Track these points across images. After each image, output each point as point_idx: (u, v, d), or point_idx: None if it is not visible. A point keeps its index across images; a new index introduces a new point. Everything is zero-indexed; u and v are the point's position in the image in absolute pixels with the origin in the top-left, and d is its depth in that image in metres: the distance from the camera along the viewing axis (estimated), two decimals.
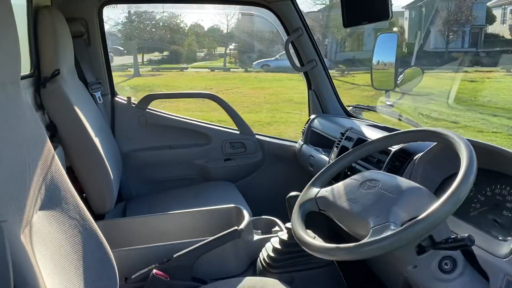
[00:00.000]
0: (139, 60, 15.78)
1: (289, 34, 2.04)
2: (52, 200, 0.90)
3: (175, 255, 1.25)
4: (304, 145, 2.09)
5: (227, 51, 18.15)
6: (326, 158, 1.77)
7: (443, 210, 0.80)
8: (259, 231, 1.51)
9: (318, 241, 0.94)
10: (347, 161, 1.18)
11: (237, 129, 2.25)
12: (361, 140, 1.53)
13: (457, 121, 6.80)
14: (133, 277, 1.21)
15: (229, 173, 2.22)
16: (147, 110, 2.16)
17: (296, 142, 2.22)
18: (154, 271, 1.20)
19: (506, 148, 1.01)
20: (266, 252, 1.32)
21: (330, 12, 16.74)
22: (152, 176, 2.18)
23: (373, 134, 1.53)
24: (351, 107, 2.17)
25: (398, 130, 1.18)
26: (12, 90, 0.86)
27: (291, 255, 1.28)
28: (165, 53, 17.76)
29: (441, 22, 17.08)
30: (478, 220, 1.03)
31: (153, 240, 1.38)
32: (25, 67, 1.59)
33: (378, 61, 2.01)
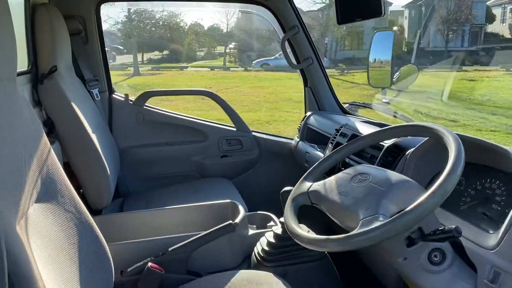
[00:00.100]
0: (139, 59, 15.79)
1: (285, 31, 2.06)
2: (48, 193, 0.91)
3: (170, 249, 1.26)
4: (300, 142, 2.10)
5: (227, 50, 18.16)
6: (321, 155, 1.79)
7: (430, 202, 0.82)
8: (254, 226, 1.52)
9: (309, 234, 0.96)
10: (340, 156, 1.20)
11: (233, 126, 2.27)
12: (355, 136, 1.54)
13: (456, 119, 6.81)
14: (128, 270, 1.22)
15: (226, 170, 2.24)
16: (144, 107, 2.18)
17: (292, 139, 2.24)
18: (150, 264, 1.21)
19: (496, 143, 1.03)
20: (260, 246, 1.33)
21: (329, 11, 16.73)
22: (150, 173, 2.20)
23: (367, 130, 1.55)
24: (347, 104, 2.19)
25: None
26: (9, 86, 0.88)
27: (285, 249, 1.29)
28: (165, 52, 17.77)
29: (441, 21, 17.07)
30: (468, 214, 1.05)
31: (149, 234, 1.39)
32: (23, 64, 1.61)
33: (375, 59, 2.03)
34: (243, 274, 1.17)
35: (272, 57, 15.08)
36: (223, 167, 2.24)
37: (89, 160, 1.65)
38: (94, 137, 1.66)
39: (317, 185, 1.09)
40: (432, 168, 1.18)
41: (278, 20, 2.07)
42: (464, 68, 13.40)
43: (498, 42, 16.97)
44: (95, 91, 2.02)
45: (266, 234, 1.35)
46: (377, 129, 1.19)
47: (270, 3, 2.02)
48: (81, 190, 1.68)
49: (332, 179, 1.07)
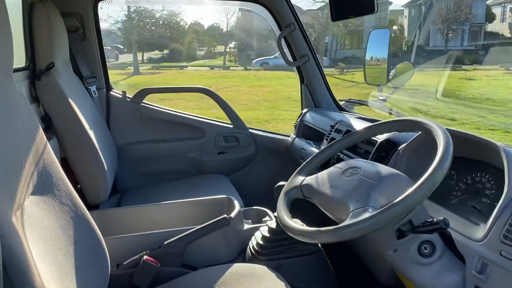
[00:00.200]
0: (139, 58, 15.80)
1: (281, 29, 2.07)
2: (44, 187, 0.92)
3: (165, 242, 1.28)
4: (296, 139, 2.12)
5: (227, 50, 18.18)
6: (317, 151, 1.80)
7: (418, 194, 0.83)
8: (250, 221, 1.54)
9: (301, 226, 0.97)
10: (332, 151, 1.21)
11: (230, 123, 2.29)
12: (350, 132, 1.56)
13: (455, 118, 6.83)
14: (124, 263, 1.24)
15: (223, 166, 2.25)
16: (142, 104, 2.19)
17: (288, 136, 2.25)
18: (145, 257, 1.22)
19: (486, 138, 1.04)
20: (255, 240, 1.35)
21: None
22: (147, 169, 2.22)
23: (361, 126, 1.56)
24: (343, 102, 2.20)
25: None
26: (5, 81, 0.89)
27: (279, 243, 1.31)
28: (165, 51, 17.79)
29: (440, 20, 17.08)
30: (459, 207, 1.06)
31: (145, 229, 1.40)
32: (21, 60, 1.62)
33: (371, 57, 2.04)
34: (237, 267, 1.18)
35: (271, 56, 15.11)
36: (220, 163, 2.26)
37: (86, 156, 1.67)
38: (91, 133, 1.67)
39: (309, 179, 1.10)
40: (424, 163, 1.19)
41: (275, 18, 2.08)
42: (463, 67, 13.42)
43: (498, 41, 16.98)
44: (93, 88, 2.04)
45: (261, 228, 1.36)
46: None
47: (267, 1, 2.03)
48: (79, 186, 1.69)
49: (324, 173, 1.09)
